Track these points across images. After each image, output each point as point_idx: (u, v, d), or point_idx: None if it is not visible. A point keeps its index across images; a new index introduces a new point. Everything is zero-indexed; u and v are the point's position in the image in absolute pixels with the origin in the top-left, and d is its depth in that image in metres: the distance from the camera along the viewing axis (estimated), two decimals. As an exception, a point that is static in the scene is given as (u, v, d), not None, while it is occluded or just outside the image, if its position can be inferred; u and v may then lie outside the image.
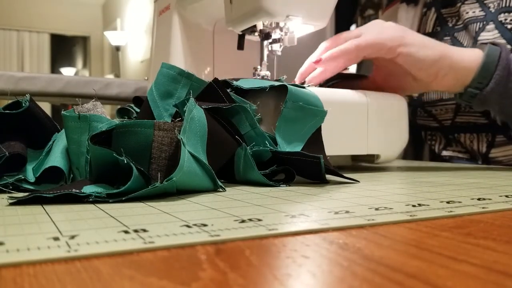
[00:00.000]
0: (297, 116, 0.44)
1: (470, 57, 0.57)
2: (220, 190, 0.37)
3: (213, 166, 0.36)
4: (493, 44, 0.59)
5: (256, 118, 0.45)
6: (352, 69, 0.92)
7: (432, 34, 0.77)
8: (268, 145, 0.42)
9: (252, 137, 0.43)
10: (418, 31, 0.79)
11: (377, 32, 0.57)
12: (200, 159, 0.35)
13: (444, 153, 0.79)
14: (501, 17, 0.68)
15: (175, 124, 0.35)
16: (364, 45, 0.56)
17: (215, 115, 0.41)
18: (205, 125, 0.36)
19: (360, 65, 0.94)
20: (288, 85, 0.46)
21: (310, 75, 0.60)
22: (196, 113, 0.36)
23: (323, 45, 0.60)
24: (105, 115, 0.44)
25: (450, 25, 0.75)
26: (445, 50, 0.57)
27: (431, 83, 0.59)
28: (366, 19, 1.00)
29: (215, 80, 0.44)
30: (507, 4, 0.68)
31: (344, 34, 0.59)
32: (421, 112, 0.79)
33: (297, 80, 0.61)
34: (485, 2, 0.71)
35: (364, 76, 0.70)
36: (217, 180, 0.37)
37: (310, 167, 0.40)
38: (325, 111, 0.45)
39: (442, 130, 0.78)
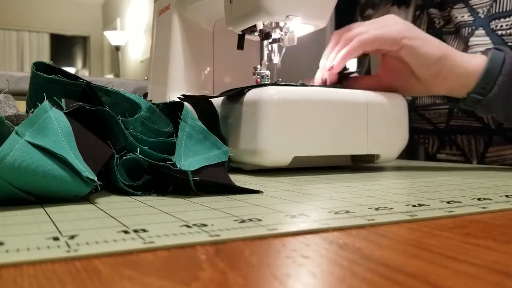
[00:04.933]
0: (199, 138, 0.42)
1: (473, 62, 0.58)
2: (93, 190, 0.34)
3: (93, 168, 0.34)
4: (498, 49, 0.59)
5: (167, 130, 0.43)
6: (352, 67, 0.92)
7: None
8: (138, 154, 0.38)
9: (132, 144, 0.40)
10: None
11: (381, 26, 0.58)
12: (63, 157, 0.32)
13: (438, 155, 0.79)
14: (492, 24, 0.68)
15: (19, 116, 0.33)
16: (370, 41, 0.57)
17: (92, 119, 0.39)
18: (67, 124, 0.34)
19: (360, 61, 0.94)
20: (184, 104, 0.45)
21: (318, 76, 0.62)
22: (53, 114, 0.34)
23: (331, 49, 0.61)
24: (16, 107, 0.43)
25: (438, 27, 0.76)
26: (448, 51, 0.58)
27: (433, 83, 0.59)
28: (366, 19, 1.00)
29: (88, 84, 0.42)
30: (497, 11, 0.68)
31: (350, 33, 0.59)
32: (414, 116, 0.79)
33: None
34: (473, 6, 0.71)
35: (368, 74, 0.70)
36: (90, 180, 0.33)
37: (180, 180, 0.37)
38: (228, 149, 0.43)
39: (436, 133, 0.79)
